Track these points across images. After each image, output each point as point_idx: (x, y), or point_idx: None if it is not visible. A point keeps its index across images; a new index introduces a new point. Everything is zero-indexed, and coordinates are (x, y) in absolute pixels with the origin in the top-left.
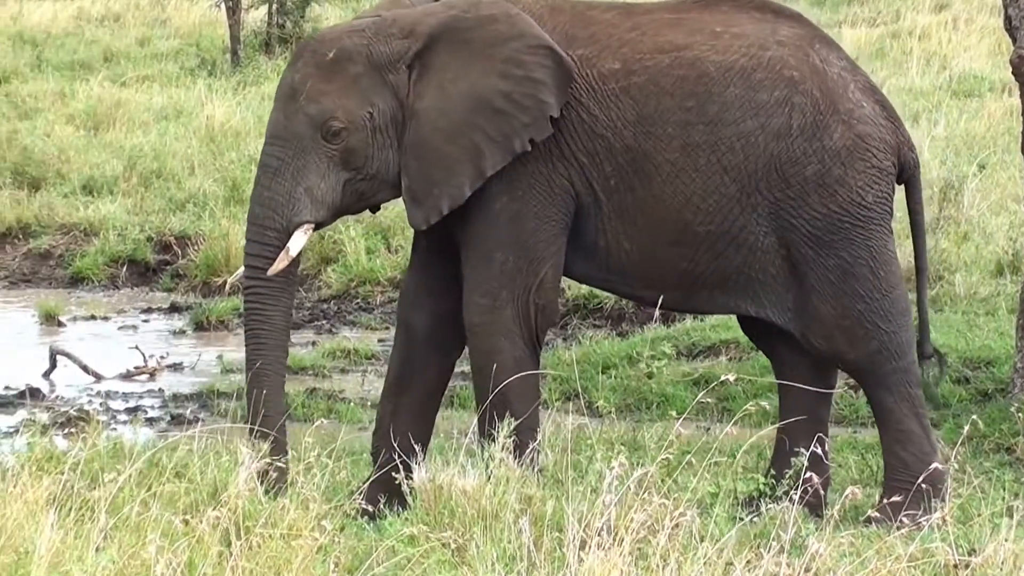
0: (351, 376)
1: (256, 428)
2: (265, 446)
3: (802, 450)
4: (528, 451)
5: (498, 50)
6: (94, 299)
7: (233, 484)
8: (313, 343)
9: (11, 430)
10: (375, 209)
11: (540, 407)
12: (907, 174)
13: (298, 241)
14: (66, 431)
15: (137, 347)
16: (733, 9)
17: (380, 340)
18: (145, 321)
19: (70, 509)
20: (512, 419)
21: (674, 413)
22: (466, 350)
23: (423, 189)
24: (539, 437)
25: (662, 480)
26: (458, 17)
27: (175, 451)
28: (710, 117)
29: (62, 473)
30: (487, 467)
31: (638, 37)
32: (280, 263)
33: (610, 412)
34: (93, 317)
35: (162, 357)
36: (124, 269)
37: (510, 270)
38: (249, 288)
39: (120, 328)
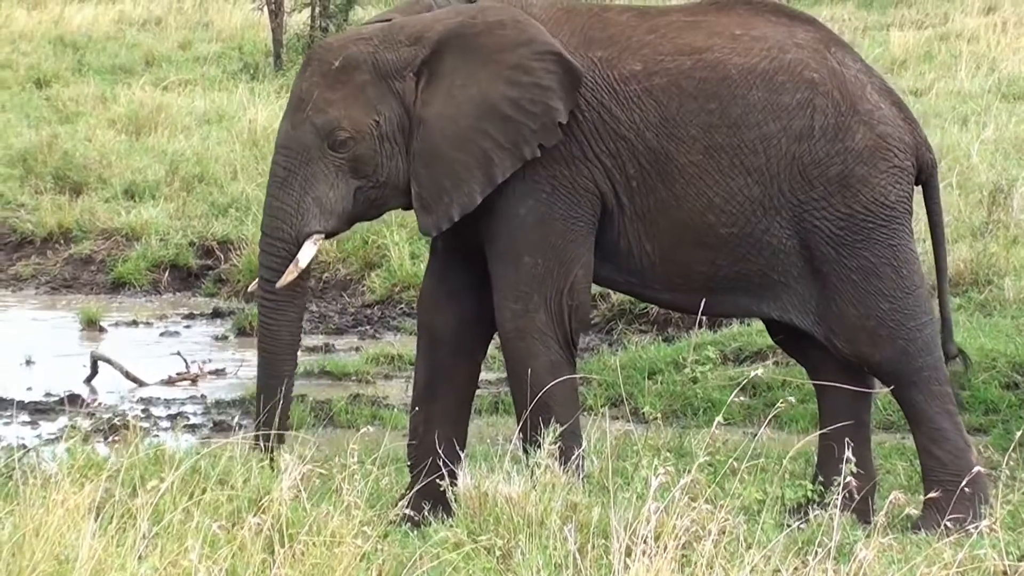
0: (395, 382)
1: (258, 438)
2: (264, 457)
3: (847, 454)
4: (574, 457)
5: (506, 56)
6: (136, 304)
7: (276, 491)
8: (357, 348)
9: (52, 437)
10: (378, 216)
11: (580, 410)
12: (925, 175)
13: (307, 252)
14: (107, 438)
15: (179, 353)
16: (749, 12)
17: None
18: (187, 327)
19: (111, 517)
20: (555, 424)
21: (720, 418)
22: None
23: (433, 196)
24: (583, 441)
25: (708, 486)
26: (466, 23)
27: (217, 458)
28: (733, 120)
29: (104, 480)
30: (532, 474)
31: (657, 39)
32: (289, 275)
33: (656, 418)
34: (135, 323)
35: (204, 363)
36: (166, 274)
37: (540, 273)
38: (260, 299)
39: (162, 334)
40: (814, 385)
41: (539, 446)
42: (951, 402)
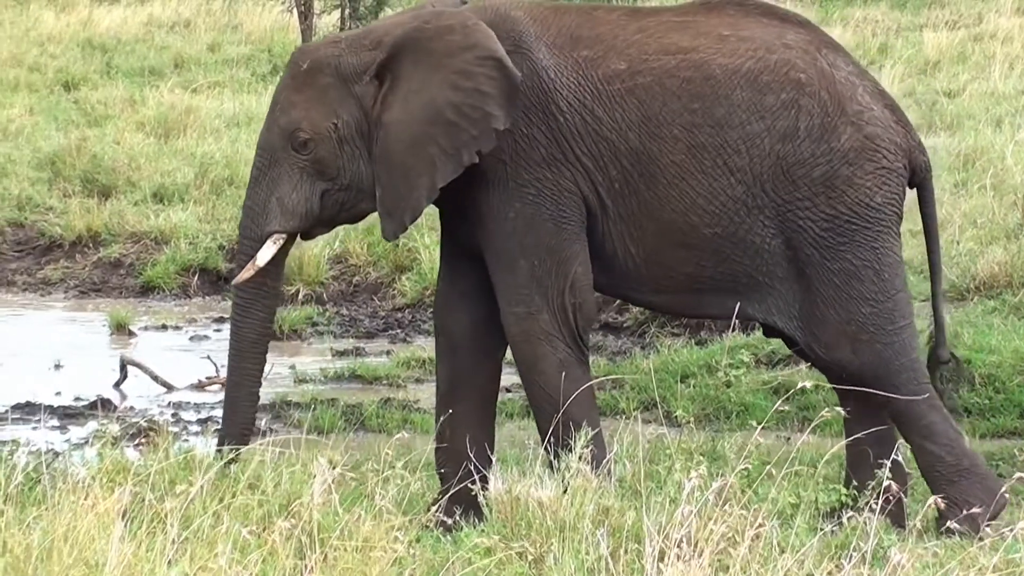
0: (426, 386)
1: (221, 435)
2: (224, 453)
3: (878, 457)
4: (603, 462)
5: (452, 61)
6: (165, 308)
7: (307, 495)
8: (388, 352)
9: (82, 441)
10: (358, 219)
11: (595, 407)
12: (919, 177)
13: (266, 252)
14: (137, 442)
15: (209, 357)
16: (740, 14)
17: None
18: (217, 331)
19: (141, 521)
20: (570, 425)
21: (753, 422)
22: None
23: (392, 201)
24: (603, 440)
25: (742, 490)
26: (419, 28)
27: (247, 462)
28: (716, 119)
29: (133, 485)
30: (563, 478)
31: (644, 39)
32: (245, 272)
33: (689, 421)
34: (164, 327)
35: None
36: (195, 278)
37: (539, 274)
38: (233, 297)
39: (192, 338)
40: (835, 389)
41: (560, 448)
42: (935, 396)
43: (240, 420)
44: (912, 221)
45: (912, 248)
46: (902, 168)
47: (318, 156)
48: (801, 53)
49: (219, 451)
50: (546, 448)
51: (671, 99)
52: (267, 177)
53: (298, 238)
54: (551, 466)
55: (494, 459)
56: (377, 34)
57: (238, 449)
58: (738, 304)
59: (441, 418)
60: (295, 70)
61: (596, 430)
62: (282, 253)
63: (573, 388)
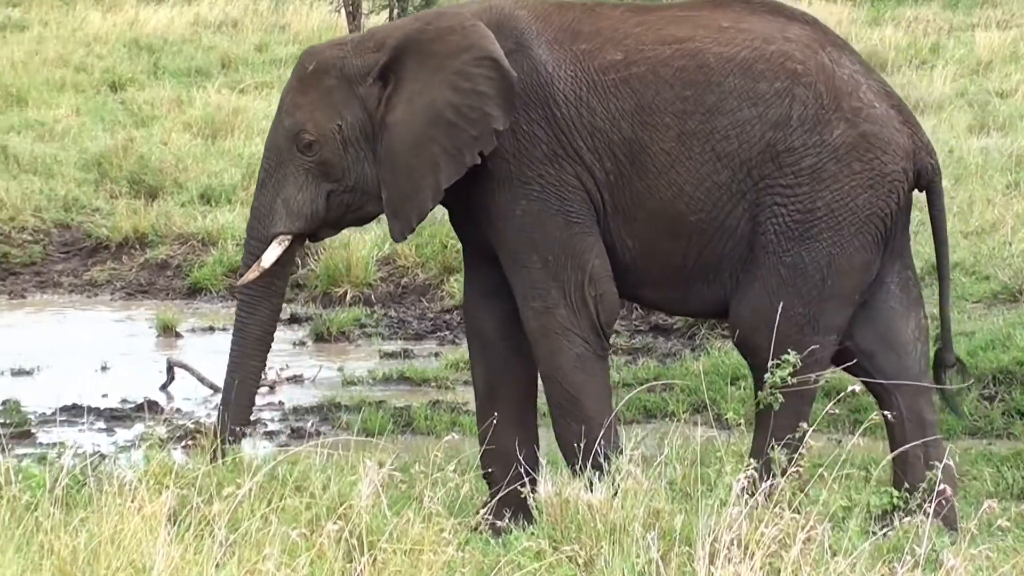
0: None
1: (218, 432)
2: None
3: (927, 458)
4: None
5: (451, 62)
6: (212, 310)
7: (355, 498)
8: (436, 354)
9: (128, 444)
10: (365, 221)
11: (612, 407)
12: (925, 180)
13: (271, 253)
14: (184, 445)
15: None
16: (745, 10)
17: None
18: None
19: (189, 524)
20: (585, 420)
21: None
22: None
23: (398, 202)
24: (617, 436)
25: (793, 493)
26: (421, 29)
27: (295, 465)
28: (707, 106)
29: (180, 488)
30: (614, 480)
31: (643, 31)
32: (251, 273)
33: (739, 424)
34: (211, 328)
35: (282, 369)
36: None
37: (554, 268)
38: (237, 296)
39: None
40: (873, 391)
41: (572, 446)
42: (804, 419)
43: (238, 418)
44: (965, 222)
45: (963, 250)
46: (899, 172)
47: (323, 158)
48: (802, 47)
49: (213, 447)
50: (560, 443)
51: (664, 88)
52: (273, 179)
53: (306, 240)
54: (571, 466)
55: (542, 459)
56: (380, 36)
57: (232, 442)
58: (716, 293)
59: (482, 420)
60: (301, 72)
61: (609, 424)
62: (289, 254)
63: (591, 384)
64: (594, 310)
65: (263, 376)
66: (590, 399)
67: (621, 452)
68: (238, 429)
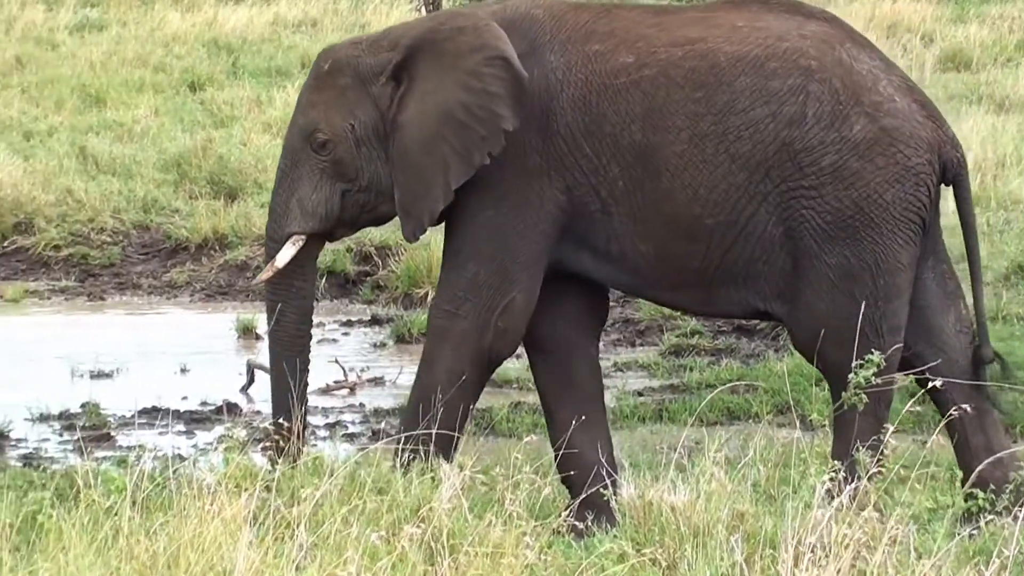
0: None
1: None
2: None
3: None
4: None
5: (463, 62)
6: None
7: (436, 501)
8: (518, 356)
9: (208, 446)
10: (381, 221)
11: (460, 431)
12: (951, 173)
13: (286, 253)
14: (264, 447)
15: (337, 361)
16: (762, 9)
17: None
18: (345, 334)
19: (269, 527)
20: (424, 420)
21: (888, 425)
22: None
23: (410, 202)
24: (450, 457)
25: (877, 495)
26: (434, 29)
27: (376, 467)
28: (719, 107)
29: (260, 491)
30: (698, 482)
31: (656, 32)
32: (265, 273)
33: (823, 425)
34: None
35: (362, 371)
36: (323, 281)
37: (479, 284)
38: (265, 298)
39: (319, 341)
40: (927, 389)
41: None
42: (880, 427)
43: (286, 418)
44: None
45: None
46: (924, 164)
47: (337, 157)
48: (817, 43)
49: (267, 448)
50: (399, 439)
51: (675, 90)
52: (288, 178)
53: (324, 241)
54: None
55: (623, 461)
56: (395, 35)
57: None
58: (745, 296)
59: (552, 427)
60: (317, 71)
61: (448, 447)
62: (307, 254)
63: (453, 399)
64: (491, 338)
65: (308, 374)
66: (447, 414)
67: (448, 462)
68: (285, 431)
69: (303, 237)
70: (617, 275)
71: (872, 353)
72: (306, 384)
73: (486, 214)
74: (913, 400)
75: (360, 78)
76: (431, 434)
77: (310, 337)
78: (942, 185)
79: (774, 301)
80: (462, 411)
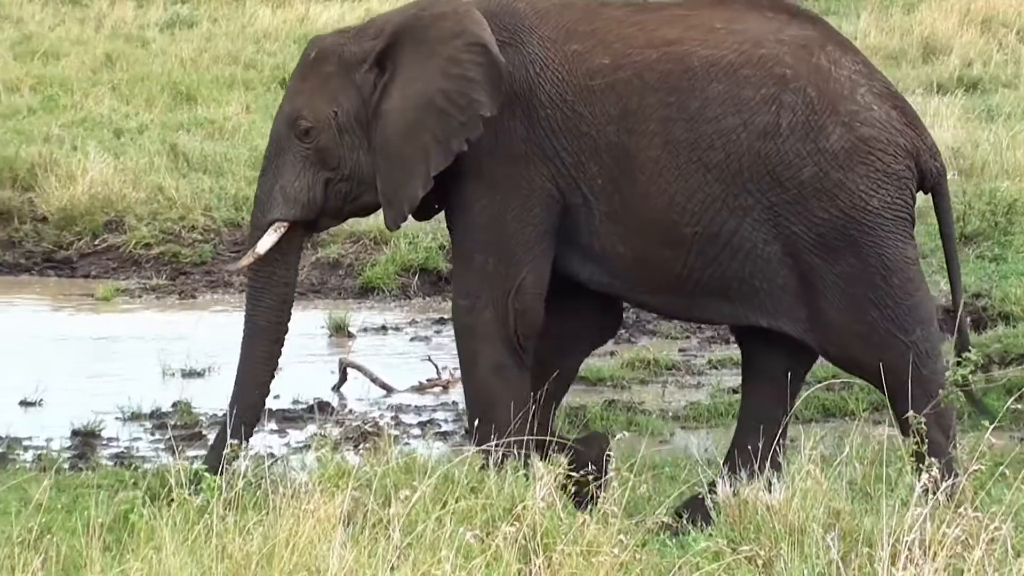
0: (651, 387)
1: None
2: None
3: None
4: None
5: (443, 48)
6: (385, 309)
7: (530, 499)
8: (612, 353)
9: (301, 446)
10: (366, 211)
11: (526, 415)
12: (930, 182)
13: (267, 240)
14: (358, 446)
15: (430, 358)
16: (746, 8)
17: (680, 350)
18: (438, 332)
19: (363, 527)
20: (490, 424)
21: (986, 423)
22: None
23: (391, 191)
24: (532, 449)
25: (975, 492)
26: (416, 16)
27: (470, 466)
28: (691, 113)
29: (354, 490)
30: (793, 480)
31: (635, 32)
32: (244, 260)
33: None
34: (384, 328)
35: (456, 369)
36: (415, 278)
37: (489, 273)
38: (247, 284)
39: (412, 339)
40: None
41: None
42: (947, 416)
43: (244, 409)
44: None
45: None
46: (904, 170)
47: (320, 145)
48: (794, 48)
49: (216, 445)
50: (475, 445)
51: (649, 93)
52: (273, 165)
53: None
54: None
55: (716, 458)
56: (380, 23)
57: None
58: (736, 310)
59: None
60: (305, 59)
61: (519, 431)
62: (290, 243)
63: (505, 392)
64: (513, 322)
65: (277, 366)
66: (503, 408)
67: (529, 458)
68: (244, 426)
69: (285, 224)
70: (600, 276)
71: (902, 358)
72: (273, 374)
73: (480, 203)
74: (1014, 398)
75: (345, 66)
76: (505, 428)
77: (286, 328)
78: (919, 193)
79: (782, 319)
80: (521, 396)
